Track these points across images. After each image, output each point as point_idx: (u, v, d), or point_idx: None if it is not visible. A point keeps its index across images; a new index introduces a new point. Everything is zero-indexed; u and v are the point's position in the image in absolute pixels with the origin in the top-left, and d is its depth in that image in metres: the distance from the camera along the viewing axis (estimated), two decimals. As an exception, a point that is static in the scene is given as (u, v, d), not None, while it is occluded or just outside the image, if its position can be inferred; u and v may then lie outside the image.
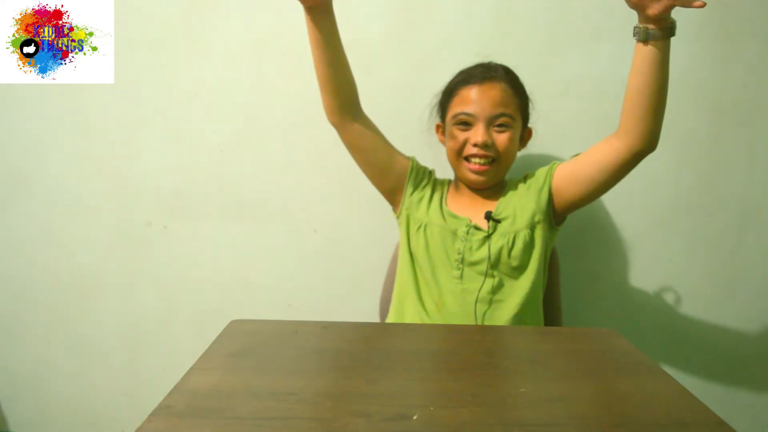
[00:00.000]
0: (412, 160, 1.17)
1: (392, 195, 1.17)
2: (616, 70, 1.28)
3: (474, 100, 1.06)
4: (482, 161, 1.07)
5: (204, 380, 0.66)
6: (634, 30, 0.89)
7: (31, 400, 1.39)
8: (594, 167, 1.02)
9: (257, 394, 0.62)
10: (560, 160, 1.30)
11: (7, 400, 1.40)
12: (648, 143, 0.95)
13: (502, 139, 1.06)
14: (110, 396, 1.39)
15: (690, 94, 1.27)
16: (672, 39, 0.89)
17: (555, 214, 1.10)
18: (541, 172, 1.10)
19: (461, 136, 1.07)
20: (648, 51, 0.88)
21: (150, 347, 1.37)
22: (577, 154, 1.08)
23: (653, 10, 0.84)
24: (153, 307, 1.36)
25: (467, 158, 1.08)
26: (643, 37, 0.88)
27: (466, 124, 1.07)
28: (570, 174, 1.06)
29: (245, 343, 0.79)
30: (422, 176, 1.16)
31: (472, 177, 1.09)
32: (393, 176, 1.14)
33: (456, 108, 1.09)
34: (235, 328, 0.87)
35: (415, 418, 0.57)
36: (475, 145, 1.06)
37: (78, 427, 1.40)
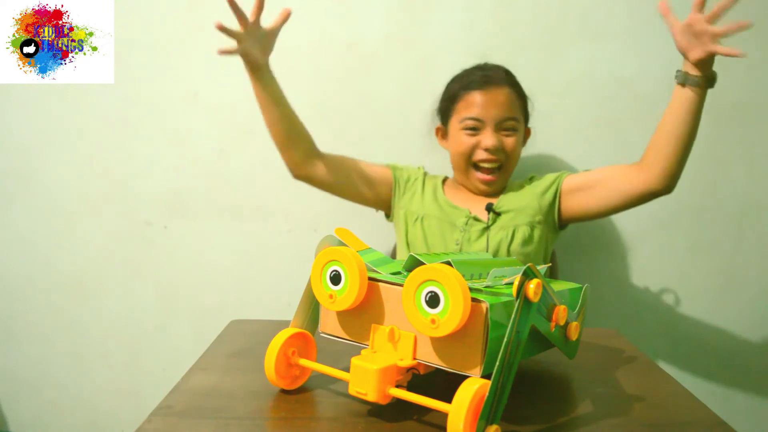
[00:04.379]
0: (392, 168, 1.16)
1: (383, 205, 1.17)
2: (616, 70, 1.28)
3: (481, 104, 1.07)
4: (491, 165, 1.08)
5: (204, 380, 0.66)
6: (675, 73, 0.91)
7: (31, 400, 1.39)
8: (606, 188, 1.03)
9: (257, 394, 0.62)
10: (560, 160, 1.30)
11: (7, 400, 1.40)
12: (666, 185, 0.97)
13: (509, 142, 1.07)
14: (110, 396, 1.39)
15: (690, 94, 1.27)
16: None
17: (556, 220, 1.10)
18: (548, 177, 1.11)
19: (470, 140, 1.08)
20: (684, 94, 0.91)
21: (150, 347, 1.37)
22: (586, 171, 1.09)
23: (695, 54, 0.87)
24: (153, 307, 1.36)
25: (476, 165, 1.09)
26: (681, 81, 0.91)
27: (474, 129, 1.07)
28: (579, 188, 1.07)
29: (245, 343, 0.79)
30: (407, 177, 1.16)
31: (482, 187, 1.10)
32: (377, 191, 1.15)
33: (463, 112, 1.08)
34: (235, 328, 0.87)
35: (415, 418, 0.57)
36: (485, 149, 1.06)
37: (78, 427, 1.40)
